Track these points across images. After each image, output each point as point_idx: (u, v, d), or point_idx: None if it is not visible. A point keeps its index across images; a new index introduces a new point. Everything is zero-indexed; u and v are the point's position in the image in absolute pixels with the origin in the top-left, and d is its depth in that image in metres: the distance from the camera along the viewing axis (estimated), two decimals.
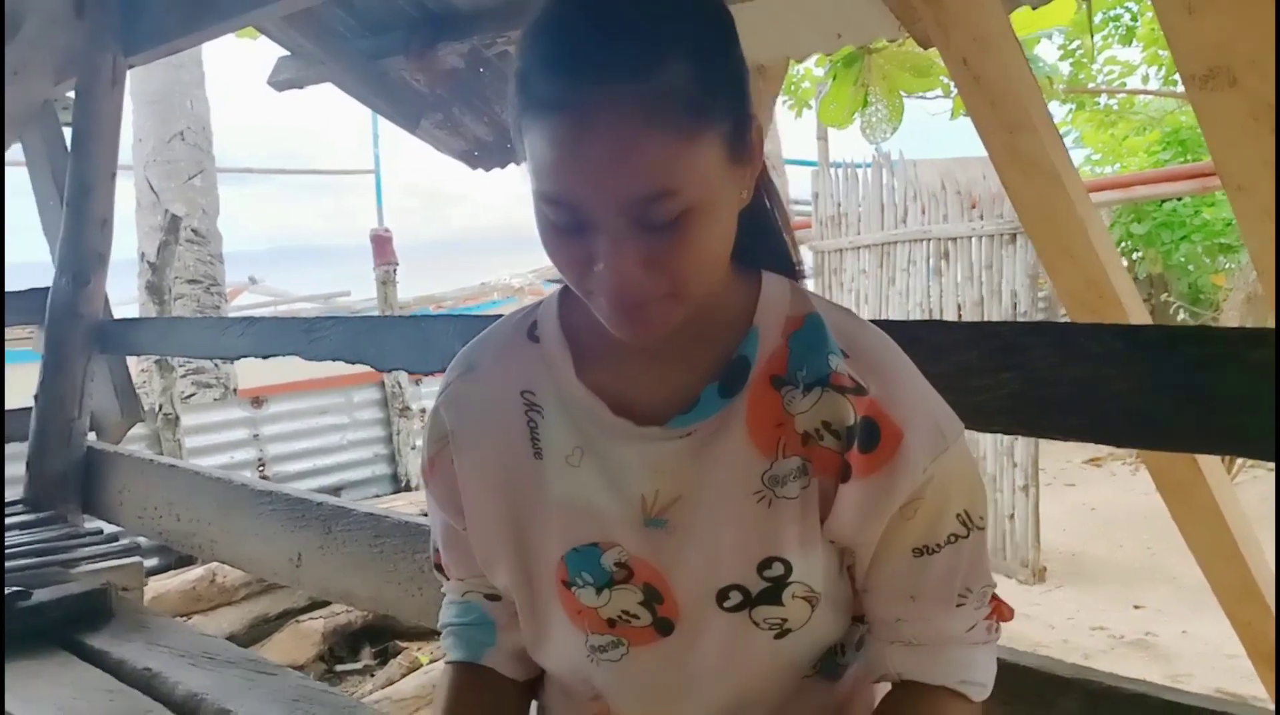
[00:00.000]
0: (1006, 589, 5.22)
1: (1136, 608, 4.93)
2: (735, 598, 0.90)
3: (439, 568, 1.12)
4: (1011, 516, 5.45)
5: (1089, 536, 6.04)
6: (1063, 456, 8.03)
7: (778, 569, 0.89)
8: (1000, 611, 0.97)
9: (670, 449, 0.91)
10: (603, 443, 0.93)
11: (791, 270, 0.97)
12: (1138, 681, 1.15)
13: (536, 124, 0.77)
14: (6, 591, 2.16)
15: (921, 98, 7.73)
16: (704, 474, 0.90)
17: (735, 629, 0.91)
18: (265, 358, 2.36)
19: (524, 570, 0.98)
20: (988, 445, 5.57)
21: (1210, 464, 2.15)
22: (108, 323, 2.96)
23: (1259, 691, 2.54)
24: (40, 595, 2.20)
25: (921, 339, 1.30)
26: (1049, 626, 4.77)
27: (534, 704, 1.12)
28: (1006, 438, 5.44)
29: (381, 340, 2.10)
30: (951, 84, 6.12)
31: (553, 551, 0.95)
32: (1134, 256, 9.33)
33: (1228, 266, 8.64)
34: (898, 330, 1.33)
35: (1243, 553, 2.24)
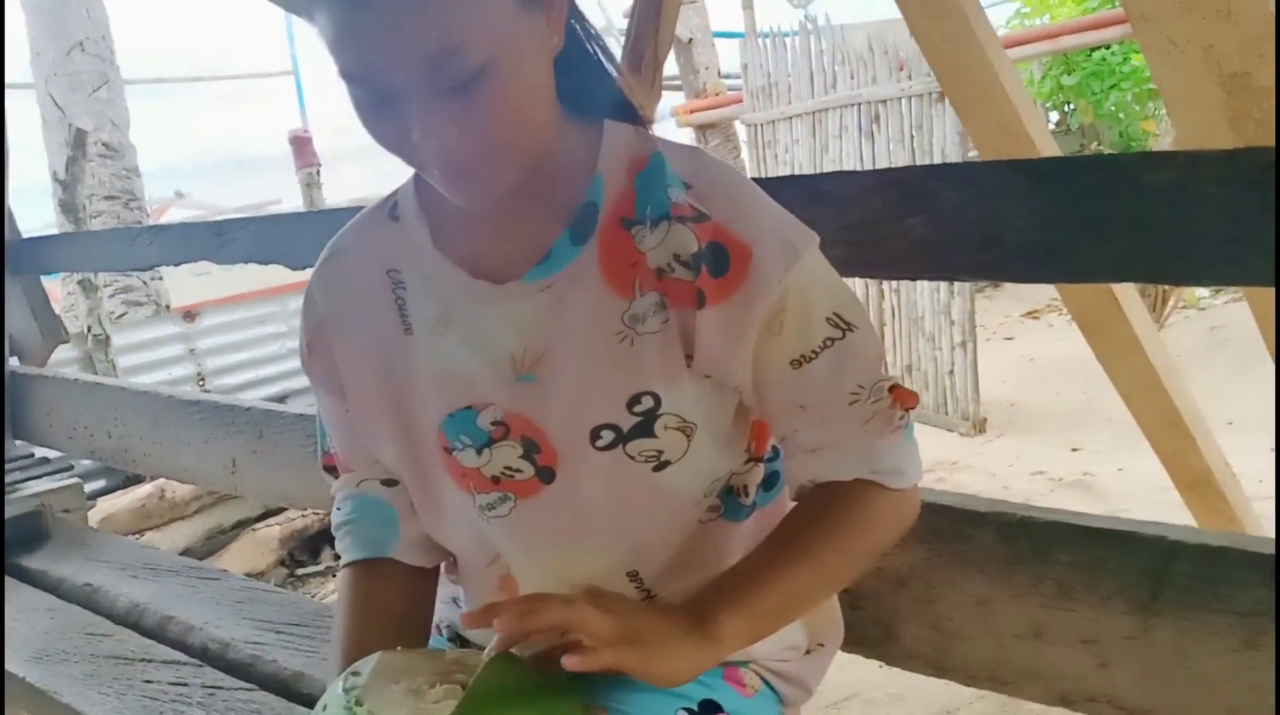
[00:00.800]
0: (948, 442, 5.34)
1: (1074, 450, 5.07)
2: (608, 436, 0.92)
3: (328, 469, 1.13)
4: (951, 372, 5.55)
5: (1027, 386, 6.17)
6: (1001, 312, 8.16)
7: (647, 402, 0.91)
8: (901, 398, 0.96)
9: (531, 304, 0.92)
10: (465, 307, 0.94)
11: (633, 114, 0.96)
12: (1048, 510, 1.18)
13: (319, 5, 0.78)
14: None
15: None
16: (567, 324, 0.91)
17: (612, 466, 0.92)
18: (176, 265, 2.30)
19: (408, 445, 1.00)
20: (925, 304, 5.63)
21: (1129, 300, 2.19)
22: (15, 243, 2.86)
23: (1188, 519, 2.64)
24: None
25: (828, 191, 1.29)
26: (990, 475, 4.90)
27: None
28: (943, 295, 5.50)
29: (294, 238, 2.04)
30: None
31: (431, 420, 0.97)
32: (1066, 108, 9.33)
33: (1156, 112, 8.67)
34: (802, 184, 1.32)
35: (1165, 385, 2.29)
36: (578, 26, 0.92)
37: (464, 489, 0.98)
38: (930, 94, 5.46)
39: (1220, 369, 5.72)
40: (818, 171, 6.29)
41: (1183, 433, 2.36)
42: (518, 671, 0.86)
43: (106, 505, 4.24)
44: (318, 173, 5.80)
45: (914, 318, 5.71)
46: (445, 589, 1.15)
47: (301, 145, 5.81)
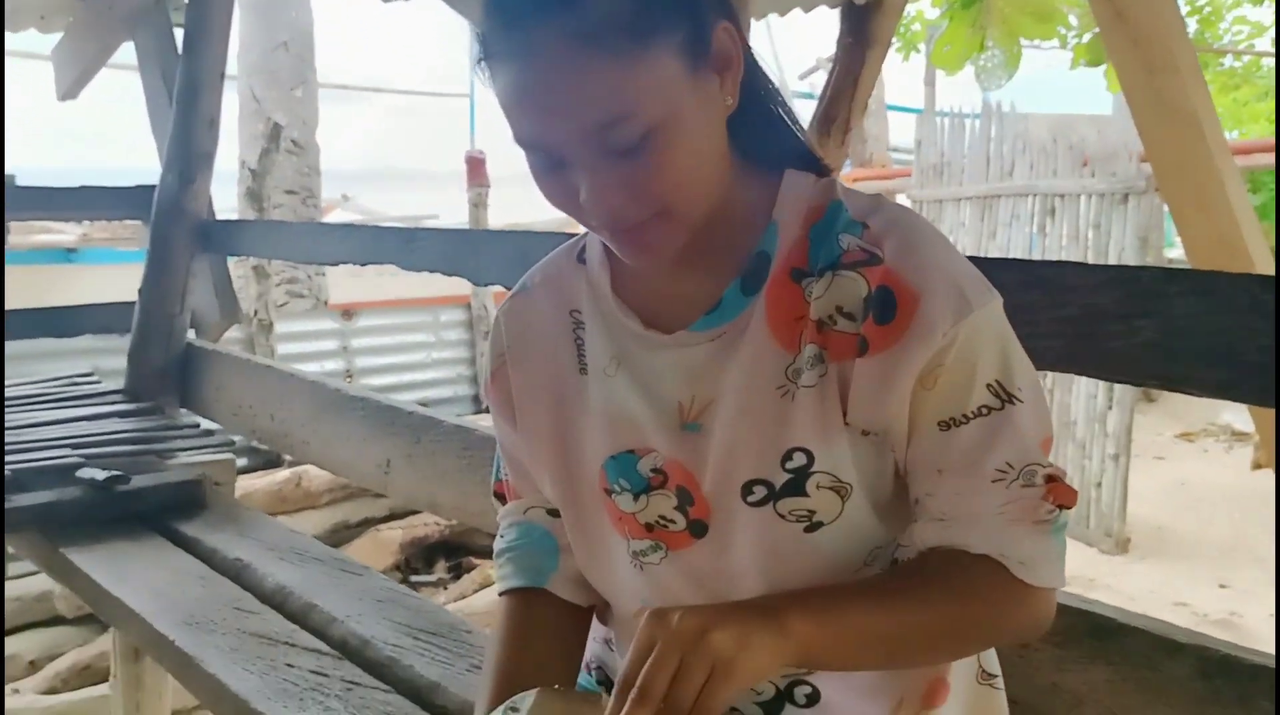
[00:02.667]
0: (1087, 557, 5.11)
1: (1222, 587, 4.79)
2: (759, 492, 0.90)
3: (498, 496, 1.14)
4: (1099, 485, 5.32)
5: (1177, 511, 5.87)
6: (1154, 429, 7.80)
7: (799, 459, 0.88)
8: (1058, 493, 0.87)
9: (701, 353, 0.92)
10: (637, 353, 0.95)
11: (816, 165, 0.95)
12: (1255, 652, 1.10)
13: (491, 74, 0.82)
14: (106, 475, 2.22)
15: (1036, 46, 7.43)
16: (732, 375, 0.90)
17: (763, 524, 0.90)
18: (363, 264, 2.37)
19: (569, 480, 1.01)
20: (1080, 411, 5.42)
21: None
22: (211, 222, 3.00)
23: None
24: (139, 481, 2.26)
25: (1049, 279, 1.24)
26: (1130, 599, 4.66)
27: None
28: (1100, 403, 5.29)
29: (479, 254, 2.09)
30: (1069, 35, 5.88)
31: (594, 460, 0.98)
32: None
33: None
34: (1020, 269, 1.28)
35: None
36: (758, 84, 0.92)
37: (620, 533, 0.98)
38: (1113, 194, 5.30)
39: None
40: (982, 256, 6.14)
41: None
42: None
43: (245, 484, 4.39)
44: (486, 193, 5.96)
45: (1065, 421, 5.50)
46: (598, 628, 1.14)
47: (475, 166, 6.00)
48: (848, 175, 9.15)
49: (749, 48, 0.91)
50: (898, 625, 0.85)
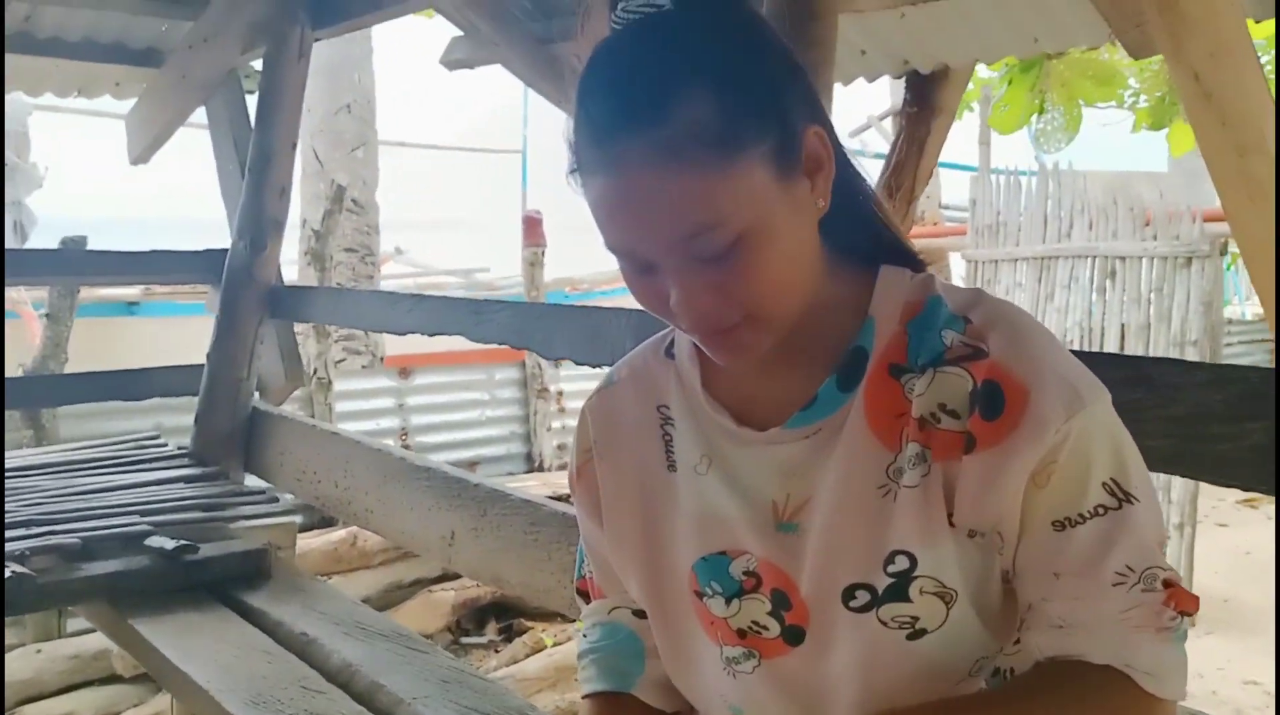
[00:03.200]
0: None
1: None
2: (862, 597, 0.87)
3: (581, 593, 1.13)
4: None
5: (1243, 582, 5.69)
6: (1214, 495, 7.60)
7: (902, 562, 0.85)
8: (1179, 599, 0.83)
9: (796, 451, 0.90)
10: (729, 451, 0.94)
11: (912, 260, 0.94)
12: None
13: (582, 185, 0.83)
14: (175, 545, 2.23)
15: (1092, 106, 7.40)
16: (830, 474, 0.88)
17: (864, 631, 0.87)
18: (432, 336, 2.38)
19: (656, 582, 0.99)
20: None
21: None
22: (281, 289, 3.05)
23: None
24: (206, 550, 2.27)
25: (1153, 377, 1.21)
26: (1198, 676, 4.51)
27: None
28: (1163, 474, 5.16)
29: (550, 328, 2.09)
30: (1127, 95, 5.84)
31: (684, 562, 0.96)
32: None
33: None
34: (1119, 365, 1.24)
35: None
36: (850, 182, 0.92)
37: (711, 638, 0.96)
38: (1176, 257, 5.23)
39: None
40: (1040, 320, 6.06)
41: None
42: None
43: (302, 544, 4.38)
44: (542, 253, 6.01)
45: None
46: None
47: (532, 225, 6.05)
48: None
49: (841, 148, 0.90)
50: None
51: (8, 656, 3.70)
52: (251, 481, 2.99)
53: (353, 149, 6.55)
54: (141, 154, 3.82)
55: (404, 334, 2.43)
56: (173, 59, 3.51)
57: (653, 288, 0.85)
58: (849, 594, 0.87)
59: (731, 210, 0.79)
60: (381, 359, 6.27)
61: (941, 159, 9.76)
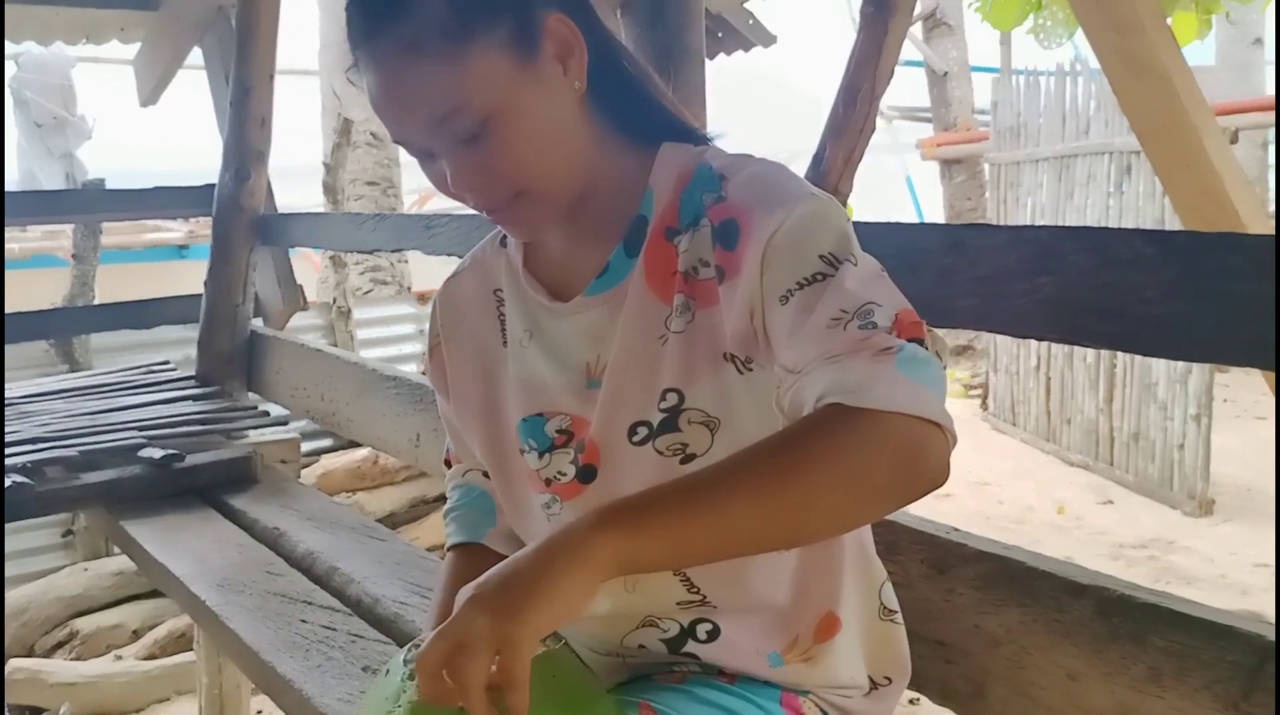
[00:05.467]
0: (1168, 519, 5.00)
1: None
2: (642, 432, 0.99)
3: (446, 464, 1.26)
4: (1181, 446, 5.18)
5: (1267, 472, 5.67)
6: (1259, 388, 7.51)
7: (672, 398, 0.97)
8: (902, 326, 0.85)
9: (597, 316, 1.02)
10: (546, 323, 1.06)
11: (692, 136, 1.04)
12: (1152, 591, 1.14)
13: (358, 80, 0.96)
14: (163, 454, 2.42)
15: None
16: (622, 332, 1.00)
17: (646, 461, 0.99)
18: (393, 251, 2.51)
19: (495, 445, 1.12)
20: (1161, 372, 5.29)
21: None
22: (268, 216, 3.19)
23: None
24: (194, 458, 2.45)
25: (965, 243, 1.30)
26: (1208, 560, 4.56)
27: None
28: (1180, 364, 5.15)
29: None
30: None
31: (512, 423, 1.09)
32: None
33: None
34: (944, 233, 1.34)
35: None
36: (618, 65, 1.03)
37: (534, 489, 1.09)
38: None
39: None
40: (1060, 219, 6.02)
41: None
42: (565, 668, 0.89)
43: (328, 462, 4.62)
44: None
45: (1147, 383, 5.37)
46: None
47: None
48: (930, 140, 8.99)
49: (602, 32, 1.00)
50: (723, 503, 0.80)
51: (60, 574, 3.99)
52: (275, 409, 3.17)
53: None
54: (150, 95, 3.97)
55: (370, 252, 2.57)
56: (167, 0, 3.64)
57: (437, 172, 0.98)
58: (632, 431, 1.00)
59: (471, 94, 0.91)
60: (409, 288, 6.43)
61: (974, 63, 9.48)
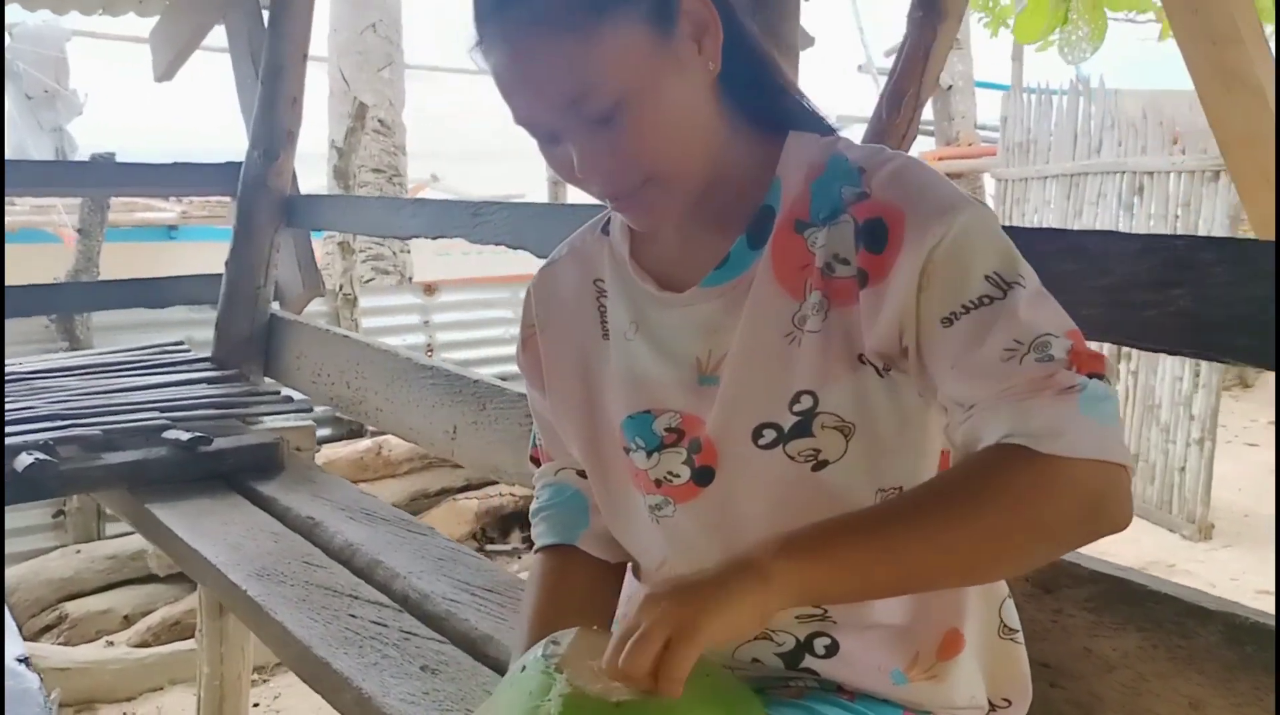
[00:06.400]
0: (1168, 543, 5.00)
1: None
2: (769, 435, 0.93)
3: (534, 461, 1.21)
4: (1183, 469, 5.18)
5: (1265, 497, 5.68)
6: (1247, 415, 7.55)
7: (806, 402, 0.92)
8: (1081, 360, 0.81)
9: (713, 308, 0.96)
10: (653, 315, 1.01)
11: (820, 125, 0.99)
12: None
13: (482, 62, 0.89)
14: (190, 436, 2.34)
15: (1129, 20, 7.20)
16: (744, 326, 0.94)
17: (772, 466, 0.94)
18: (434, 238, 2.44)
19: (593, 442, 1.07)
20: (1165, 392, 5.29)
21: None
22: (295, 197, 3.12)
23: None
24: (220, 442, 2.38)
25: (1086, 248, 1.25)
26: (1209, 585, 4.55)
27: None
28: (1185, 386, 5.15)
29: (542, 228, 2.14)
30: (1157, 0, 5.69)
31: (615, 420, 1.03)
32: None
33: None
34: (1060, 237, 1.28)
35: None
36: (747, 48, 0.97)
37: (639, 489, 1.04)
38: (1204, 172, 5.14)
39: None
40: None
41: None
42: (717, 670, 0.88)
43: (330, 452, 4.54)
44: None
45: (1150, 405, 5.37)
46: (631, 585, 1.19)
47: None
48: (933, 154, 8.99)
49: (731, 11, 0.95)
50: (901, 541, 0.80)
51: (51, 556, 3.89)
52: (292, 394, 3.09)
53: (379, 69, 6.57)
54: (165, 71, 3.88)
55: (407, 238, 2.50)
56: None
57: (559, 156, 0.92)
58: (758, 433, 0.94)
59: (607, 73, 0.85)
60: (410, 278, 6.36)
61: (978, 78, 9.53)
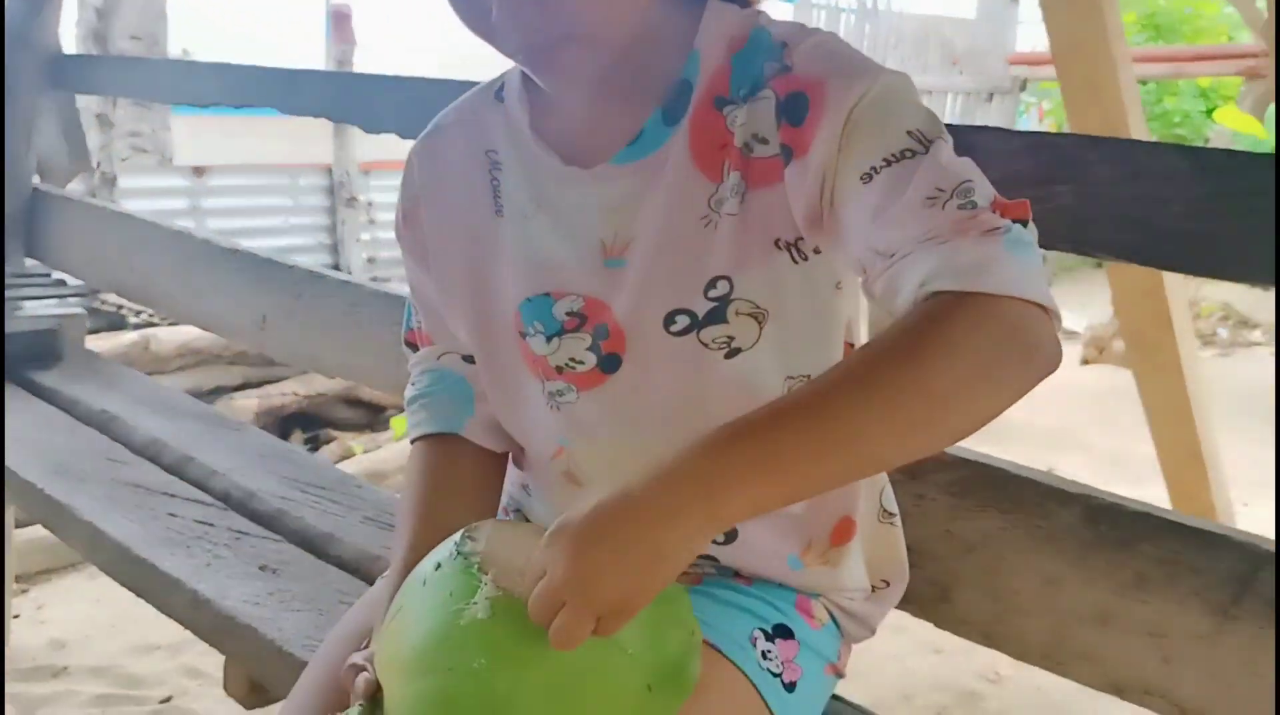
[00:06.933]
0: None
1: (1049, 469, 5.11)
2: (682, 322, 0.89)
3: (409, 344, 1.12)
4: None
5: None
6: None
7: (722, 287, 0.88)
8: (1005, 206, 0.78)
9: (623, 187, 0.90)
10: (555, 193, 0.94)
11: None
12: (1140, 502, 1.17)
13: None
14: None
15: None
16: (655, 207, 0.89)
17: (685, 352, 0.90)
18: (239, 107, 2.22)
19: (483, 324, 1.00)
20: None
21: (1183, 325, 2.19)
22: (64, 57, 2.76)
23: None
24: None
25: (975, 145, 1.25)
26: None
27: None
28: None
29: (373, 99, 1.99)
30: None
31: (509, 303, 0.97)
32: None
33: None
34: (953, 132, 1.29)
35: (1195, 418, 2.31)
36: None
37: (534, 375, 0.98)
38: (980, 92, 5.45)
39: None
40: None
41: (1200, 471, 2.37)
42: None
43: (90, 343, 4.15)
44: (352, 52, 5.65)
45: None
46: (514, 473, 1.14)
47: (341, 21, 5.65)
48: None
49: None
50: (847, 419, 0.73)
51: None
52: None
53: None
54: None
55: (206, 106, 2.26)
56: None
57: (476, 2, 0.83)
58: (670, 319, 0.90)
59: None
60: (170, 160, 5.85)
61: None
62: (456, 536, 0.82)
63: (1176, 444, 2.39)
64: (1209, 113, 9.07)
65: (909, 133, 0.81)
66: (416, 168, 1.04)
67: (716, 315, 0.89)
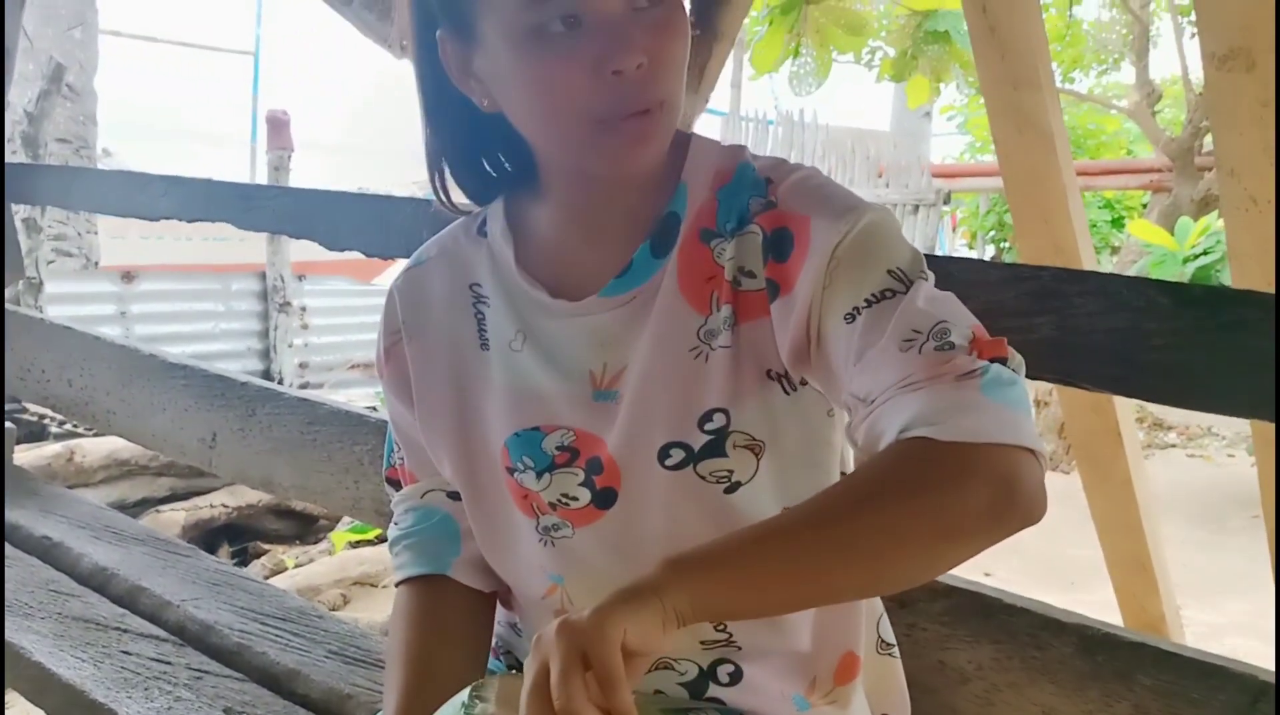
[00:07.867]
0: None
1: (986, 575, 5.17)
2: (677, 455, 0.89)
3: (391, 481, 1.09)
4: None
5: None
6: None
7: (719, 420, 0.88)
8: (982, 347, 0.78)
9: (611, 319, 0.90)
10: (543, 325, 0.93)
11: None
12: (1135, 632, 1.18)
13: None
14: None
15: (838, 60, 7.76)
16: (645, 339, 0.89)
17: (682, 487, 0.89)
18: (191, 222, 2.19)
19: (469, 461, 0.98)
20: None
21: (1131, 439, 2.24)
22: (8, 165, 2.70)
23: None
24: None
25: (954, 275, 1.28)
26: None
27: None
28: None
29: (334, 215, 1.96)
30: (865, 54, 6.18)
31: (497, 439, 0.95)
32: (1002, 246, 9.69)
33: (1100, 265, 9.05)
34: (933, 263, 1.32)
35: (1144, 529, 2.35)
36: None
37: (525, 511, 0.96)
38: (905, 205, 5.63)
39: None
40: None
41: (1149, 579, 2.41)
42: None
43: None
44: (289, 157, 5.64)
45: None
46: (503, 613, 1.10)
47: (278, 127, 5.65)
48: None
49: None
50: (797, 545, 0.74)
51: None
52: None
53: (69, 28, 5.89)
54: None
55: (157, 220, 2.21)
56: None
57: (579, 57, 0.81)
58: (664, 452, 0.89)
59: None
60: (96, 263, 5.73)
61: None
62: (464, 696, 0.80)
63: (1125, 554, 2.42)
64: (1115, 222, 9.54)
65: (889, 272, 0.82)
66: (399, 303, 1.02)
67: (714, 448, 0.88)
